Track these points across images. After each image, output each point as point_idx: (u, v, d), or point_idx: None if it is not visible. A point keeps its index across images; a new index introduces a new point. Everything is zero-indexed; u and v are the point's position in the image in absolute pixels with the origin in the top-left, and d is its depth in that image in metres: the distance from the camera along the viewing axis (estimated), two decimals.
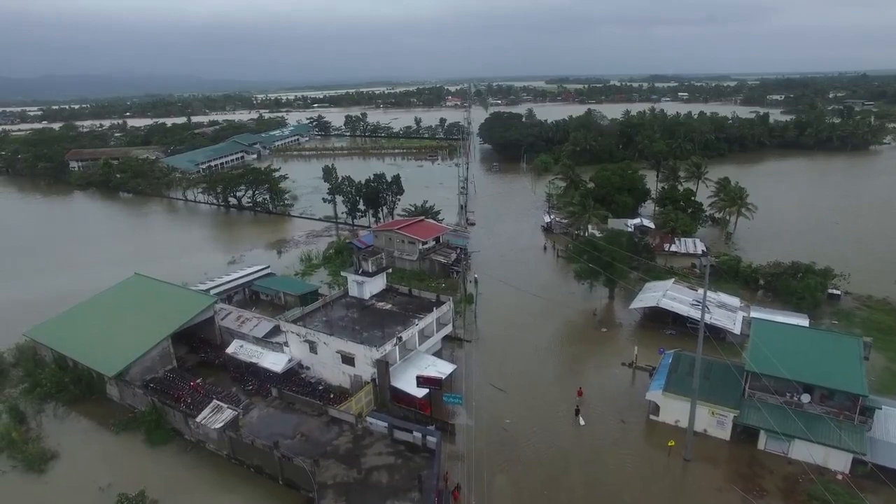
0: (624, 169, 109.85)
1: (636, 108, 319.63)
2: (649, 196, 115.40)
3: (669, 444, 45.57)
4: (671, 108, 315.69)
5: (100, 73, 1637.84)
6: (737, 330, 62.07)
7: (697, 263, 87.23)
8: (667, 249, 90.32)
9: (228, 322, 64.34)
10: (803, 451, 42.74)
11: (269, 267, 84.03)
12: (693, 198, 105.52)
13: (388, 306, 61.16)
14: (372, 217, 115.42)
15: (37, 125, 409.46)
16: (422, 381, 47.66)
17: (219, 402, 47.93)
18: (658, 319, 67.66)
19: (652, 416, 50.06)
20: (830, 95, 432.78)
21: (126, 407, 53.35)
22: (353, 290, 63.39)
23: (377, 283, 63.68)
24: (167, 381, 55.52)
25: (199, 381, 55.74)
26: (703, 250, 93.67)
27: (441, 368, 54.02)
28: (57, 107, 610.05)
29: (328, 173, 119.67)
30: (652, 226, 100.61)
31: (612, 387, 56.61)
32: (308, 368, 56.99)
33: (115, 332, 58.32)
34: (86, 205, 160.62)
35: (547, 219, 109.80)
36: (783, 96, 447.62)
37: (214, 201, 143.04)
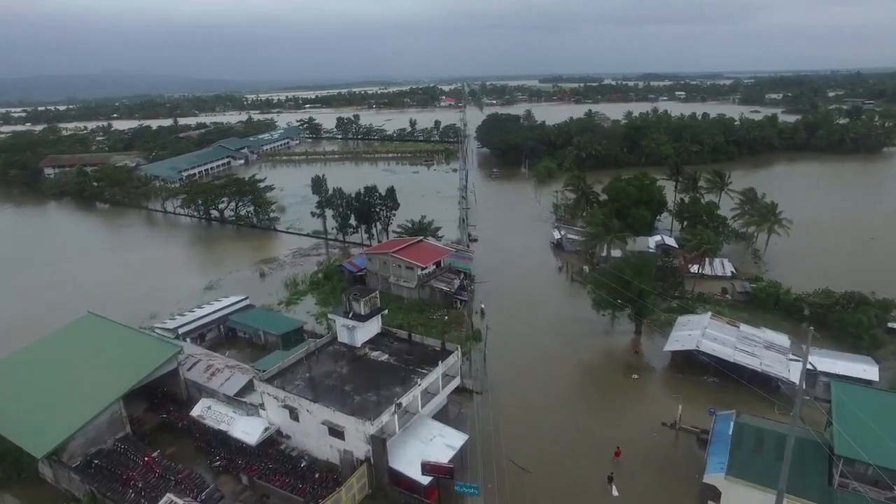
0: (641, 179, 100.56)
1: (635, 107, 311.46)
2: (666, 208, 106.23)
3: None
4: (670, 107, 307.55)
5: (90, 73, 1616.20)
6: (794, 379, 52.73)
7: (729, 288, 78.18)
8: (693, 272, 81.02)
9: (195, 374, 54.53)
10: None
11: (247, 298, 74.10)
12: (717, 211, 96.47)
13: (385, 357, 51.54)
14: (365, 234, 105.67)
15: (20, 127, 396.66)
16: (428, 468, 38.21)
17: (173, 500, 38.12)
18: (695, 361, 58.24)
19: None
20: (831, 94, 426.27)
21: (62, 492, 43.53)
22: (343, 336, 53.76)
23: (371, 328, 54.06)
24: (116, 456, 45.69)
25: (155, 454, 45.90)
26: (731, 272, 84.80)
27: (450, 440, 44.48)
28: (43, 108, 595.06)
29: (317, 184, 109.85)
30: (674, 244, 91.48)
31: (651, 452, 47.24)
32: (289, 437, 47.31)
33: (54, 393, 48.35)
34: (57, 217, 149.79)
35: (556, 235, 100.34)
36: (781, 95, 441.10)
37: (195, 214, 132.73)
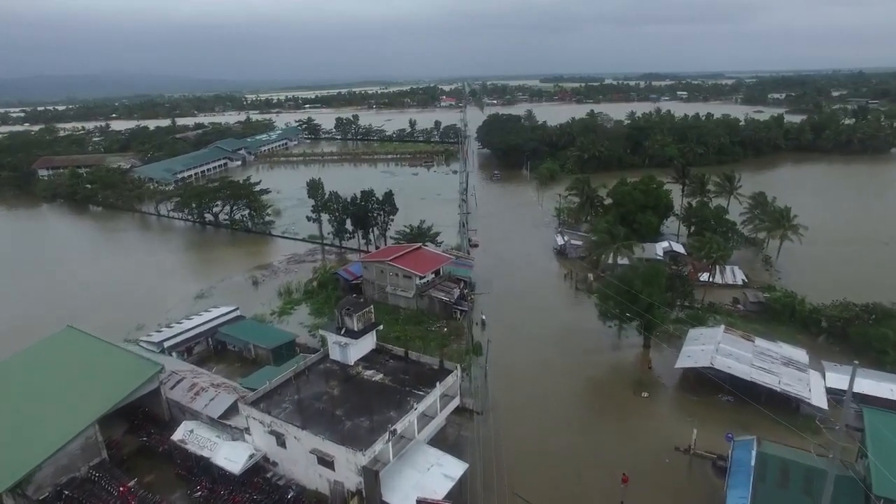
0: (647, 183, 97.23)
1: (637, 107, 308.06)
2: (672, 212, 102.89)
3: None
4: (672, 107, 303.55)
5: (91, 73, 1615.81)
6: (816, 400, 49.51)
7: (741, 298, 74.90)
8: (702, 280, 77.63)
9: (179, 393, 51.32)
10: None
11: (237, 309, 70.88)
12: (725, 215, 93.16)
13: (379, 376, 48.29)
14: (362, 239, 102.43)
15: (18, 127, 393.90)
16: None
17: None
18: (708, 378, 54.85)
19: None
20: (834, 94, 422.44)
21: None
22: (335, 353, 50.53)
23: (365, 345, 50.84)
24: (89, 485, 42.53)
25: (132, 483, 42.73)
26: (742, 280, 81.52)
27: (448, 469, 41.24)
28: (42, 108, 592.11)
29: (313, 188, 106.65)
30: (683, 251, 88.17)
31: (664, 479, 44.02)
32: (276, 465, 44.10)
33: (23, 417, 45.13)
34: (48, 221, 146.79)
35: (560, 241, 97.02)
36: (784, 95, 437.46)
37: (189, 218, 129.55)
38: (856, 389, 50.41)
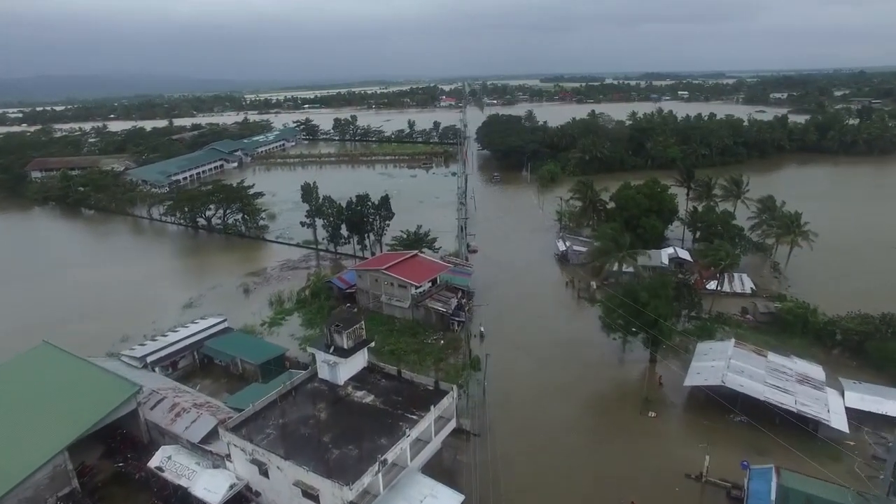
0: (651, 187, 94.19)
1: (638, 107, 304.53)
2: (677, 216, 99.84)
3: None
4: (673, 107, 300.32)
5: (92, 73, 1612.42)
6: (836, 423, 46.48)
7: (750, 308, 71.94)
8: (710, 288, 74.64)
9: (158, 414, 48.43)
10: None
11: (225, 320, 67.94)
12: (733, 221, 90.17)
13: (370, 398, 45.33)
14: (357, 244, 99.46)
15: (16, 128, 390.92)
16: None
17: None
18: (719, 396, 51.86)
19: None
20: (837, 94, 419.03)
21: None
22: (324, 372, 47.60)
23: (355, 363, 47.92)
24: None
25: None
26: (751, 288, 78.53)
27: (443, 501, 38.33)
28: (41, 108, 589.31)
29: (307, 192, 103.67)
30: (688, 257, 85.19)
31: None
32: (258, 494, 41.16)
33: None
34: (38, 225, 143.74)
35: (561, 246, 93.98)
36: (786, 95, 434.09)
37: (182, 222, 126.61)
38: (878, 410, 47.99)
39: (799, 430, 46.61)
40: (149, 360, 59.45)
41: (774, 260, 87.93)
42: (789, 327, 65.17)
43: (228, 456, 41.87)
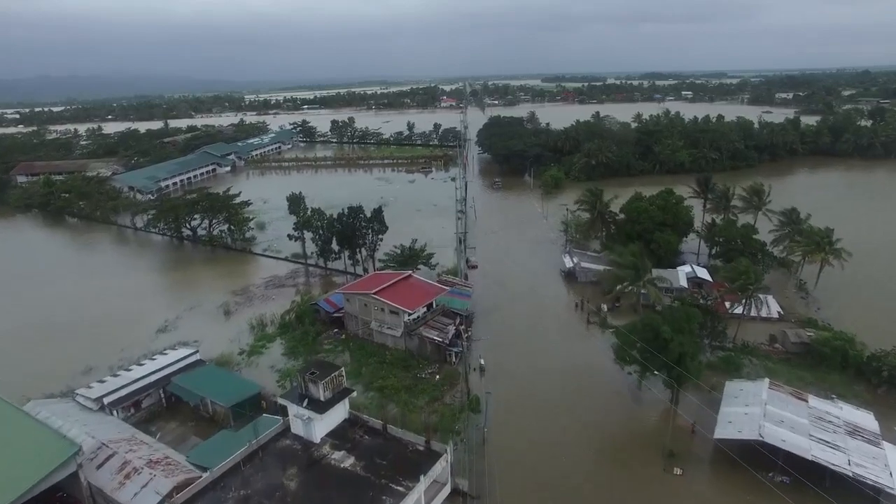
0: (665, 198, 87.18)
1: (642, 108, 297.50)
2: (692, 229, 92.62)
3: None
4: (678, 107, 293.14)
5: (93, 73, 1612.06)
6: None
7: (779, 336, 64.98)
8: (736, 312, 67.52)
9: (105, 476, 41.72)
10: None
11: (196, 352, 61.23)
12: (755, 235, 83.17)
13: (350, 460, 38.55)
14: (348, 259, 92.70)
15: (10, 129, 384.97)
16: None
17: None
18: (755, 449, 44.87)
19: None
20: (844, 94, 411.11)
21: None
22: (297, 428, 40.87)
23: (334, 416, 41.18)
24: None
25: None
26: (778, 312, 71.51)
27: None
28: (39, 109, 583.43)
29: (294, 203, 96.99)
30: (707, 276, 78.24)
31: None
32: None
33: None
34: (17, 234, 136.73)
35: (568, 262, 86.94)
36: (792, 95, 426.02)
37: (166, 232, 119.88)
38: None
39: (854, 494, 39.83)
40: (106, 400, 52.85)
41: (800, 278, 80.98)
42: (826, 360, 58.25)
43: None
